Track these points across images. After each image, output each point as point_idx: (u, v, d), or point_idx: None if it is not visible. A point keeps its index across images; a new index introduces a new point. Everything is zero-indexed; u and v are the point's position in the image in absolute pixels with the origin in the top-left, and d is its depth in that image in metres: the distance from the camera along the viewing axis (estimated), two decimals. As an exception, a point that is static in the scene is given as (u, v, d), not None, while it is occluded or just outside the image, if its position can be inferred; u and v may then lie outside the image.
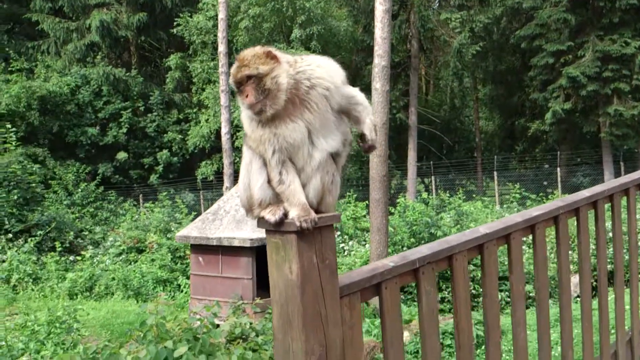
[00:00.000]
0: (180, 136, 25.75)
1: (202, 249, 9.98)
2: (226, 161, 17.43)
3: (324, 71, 2.76)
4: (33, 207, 15.63)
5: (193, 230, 10.03)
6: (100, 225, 18.30)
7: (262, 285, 10.34)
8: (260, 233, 9.75)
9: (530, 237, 3.05)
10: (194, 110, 26.14)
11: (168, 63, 26.09)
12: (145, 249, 15.37)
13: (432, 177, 26.91)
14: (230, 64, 24.39)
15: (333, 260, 2.13)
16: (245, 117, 2.67)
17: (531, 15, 25.00)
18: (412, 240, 13.56)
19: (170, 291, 13.89)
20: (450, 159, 28.92)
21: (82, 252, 15.03)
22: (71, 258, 14.73)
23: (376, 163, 11.24)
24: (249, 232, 9.63)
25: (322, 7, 23.13)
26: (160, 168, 25.45)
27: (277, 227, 2.30)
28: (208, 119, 24.41)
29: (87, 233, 16.69)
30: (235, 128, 24.18)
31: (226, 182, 17.52)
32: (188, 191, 25.81)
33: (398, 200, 17.02)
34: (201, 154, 25.64)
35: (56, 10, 26.21)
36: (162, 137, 25.87)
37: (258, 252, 9.92)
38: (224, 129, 17.33)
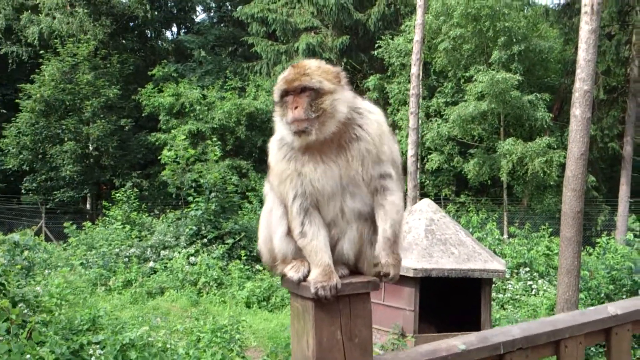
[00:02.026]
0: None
1: (366, 274, 9.74)
2: (410, 184, 17.07)
3: (377, 128, 2.32)
4: (228, 216, 16.83)
5: (358, 254, 9.86)
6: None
7: (426, 319, 9.78)
8: (426, 263, 9.20)
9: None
10: (388, 131, 26.19)
11: (367, 84, 26.58)
12: (322, 265, 15.61)
13: (650, 217, 23.46)
14: (424, 86, 24.13)
15: (367, 337, 1.68)
16: (275, 143, 2.33)
17: None
18: (611, 287, 11.81)
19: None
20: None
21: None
22: (258, 267, 15.50)
23: (570, 197, 9.98)
24: (413, 261, 9.15)
25: (526, 26, 21.67)
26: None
27: (298, 288, 1.99)
28: (401, 140, 24.28)
29: (273, 245, 17.46)
30: (427, 150, 23.72)
31: (409, 205, 17.14)
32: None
33: (598, 240, 15.04)
34: (392, 175, 25.53)
35: (269, 34, 28.36)
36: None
37: (422, 283, 9.39)
38: (410, 151, 17.02)
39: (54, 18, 26.95)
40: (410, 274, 9.07)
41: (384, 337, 9.34)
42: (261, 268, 15.09)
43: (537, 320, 1.93)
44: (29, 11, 27.35)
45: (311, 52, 26.21)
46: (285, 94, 2.26)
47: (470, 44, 22.30)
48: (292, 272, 2.16)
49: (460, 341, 1.77)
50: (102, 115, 25.80)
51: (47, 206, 25.75)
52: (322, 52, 26.69)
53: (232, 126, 24.37)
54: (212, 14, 36.79)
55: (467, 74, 22.43)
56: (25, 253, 9.44)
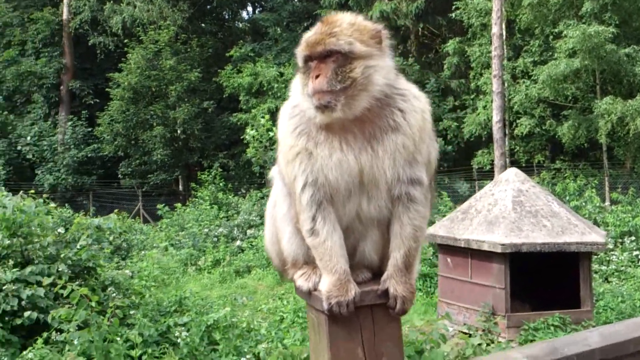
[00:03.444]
0: (455, 124, 25.09)
1: (450, 249, 9.33)
2: (497, 152, 16.33)
3: (420, 119, 1.88)
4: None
5: (440, 228, 9.46)
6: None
7: (518, 296, 9.27)
8: (515, 238, 8.67)
9: None
10: (471, 96, 25.17)
11: (446, 48, 25.55)
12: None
13: None
14: (509, 46, 22.83)
15: (396, 356, 1.41)
16: (287, 110, 1.93)
17: None
18: None
19: (430, 286, 13.53)
20: None
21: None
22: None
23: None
24: (500, 236, 8.64)
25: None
26: (434, 157, 25.23)
27: (310, 298, 1.75)
28: (486, 106, 23.23)
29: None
30: (515, 115, 22.53)
31: (496, 174, 16.41)
32: (463, 181, 25.07)
33: None
34: (477, 142, 24.60)
35: (342, 5, 27.82)
36: (437, 125, 25.55)
37: (512, 259, 8.88)
38: (495, 117, 16.23)
39: (134, 7, 27.79)
40: (499, 250, 8.60)
41: (473, 317, 8.95)
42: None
43: (622, 323, 1.58)
44: (112, 1, 28.35)
45: (385, 20, 25.46)
46: (308, 59, 1.87)
47: (558, -4, 20.77)
48: (302, 280, 1.87)
49: (522, 354, 1.47)
50: (186, 99, 26.54)
51: (143, 189, 26.99)
52: (396, 18, 25.91)
53: (313, 103, 24.27)
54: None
55: (556, 30, 20.89)
56: (111, 237, 9.78)
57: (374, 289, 1.63)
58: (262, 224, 16.00)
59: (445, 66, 25.96)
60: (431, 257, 13.92)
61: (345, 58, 1.83)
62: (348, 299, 1.62)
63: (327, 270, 1.76)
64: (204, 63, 28.97)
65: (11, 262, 7.89)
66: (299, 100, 1.91)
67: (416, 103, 1.95)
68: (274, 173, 2.09)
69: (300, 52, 1.90)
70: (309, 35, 1.89)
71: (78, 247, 8.57)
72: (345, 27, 1.88)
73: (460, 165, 25.36)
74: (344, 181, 1.82)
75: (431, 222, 15.61)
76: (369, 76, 1.84)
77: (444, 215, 16.38)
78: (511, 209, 9.01)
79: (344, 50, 1.83)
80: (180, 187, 29.22)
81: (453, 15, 24.26)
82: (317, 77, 1.81)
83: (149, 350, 7.20)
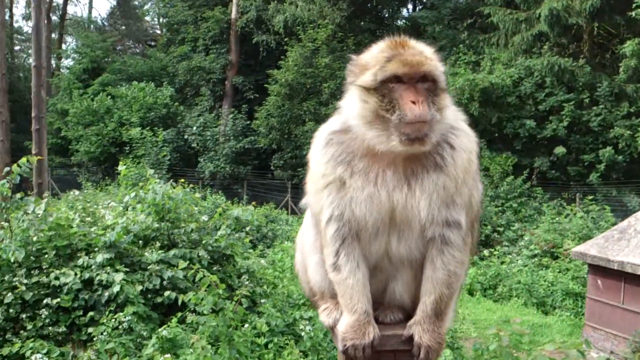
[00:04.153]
0: (629, 132, 22.67)
1: (601, 271, 8.37)
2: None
3: (466, 160, 1.72)
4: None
5: (593, 247, 8.50)
6: (523, 222, 17.70)
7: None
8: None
9: None
10: (649, 103, 22.59)
11: (623, 50, 23.15)
12: (559, 255, 14.09)
13: None
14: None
15: None
16: (324, 136, 1.84)
17: None
18: None
19: (580, 306, 12.36)
20: None
21: (497, 248, 14.82)
22: (486, 252, 14.66)
23: None
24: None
25: None
26: (602, 167, 23.01)
27: (332, 334, 1.72)
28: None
29: (503, 229, 16.35)
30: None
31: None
32: (634, 195, 22.61)
33: None
34: (654, 153, 22.05)
35: (508, 2, 26.43)
36: (608, 133, 23.29)
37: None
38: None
39: (296, 6, 28.78)
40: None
41: (622, 345, 7.94)
42: (487, 254, 14.23)
43: None
44: (275, 1, 29.63)
45: (555, 18, 23.71)
46: (396, 79, 1.70)
47: None
48: (324, 315, 1.83)
49: None
50: (338, 96, 26.84)
51: (293, 182, 27.97)
52: (567, 17, 23.96)
53: (465, 103, 23.36)
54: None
55: None
56: (247, 227, 10.15)
57: (399, 334, 1.51)
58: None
59: (621, 69, 23.53)
60: (585, 275, 12.73)
61: (436, 87, 1.72)
62: (364, 343, 1.50)
63: (347, 309, 1.65)
64: (359, 61, 29.20)
65: (158, 244, 8.47)
66: (352, 124, 1.75)
67: (466, 141, 1.80)
68: (304, 202, 1.99)
69: (386, 69, 1.71)
70: (394, 54, 1.72)
71: (218, 235, 8.98)
72: (432, 55, 1.78)
73: (632, 178, 22.91)
74: (372, 217, 1.68)
75: (583, 238, 14.24)
76: (446, 111, 1.74)
77: (602, 232, 14.90)
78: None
79: (441, 78, 1.73)
80: (329, 182, 29.80)
81: (633, 13, 21.88)
82: (418, 102, 1.65)
83: (275, 340, 7.33)
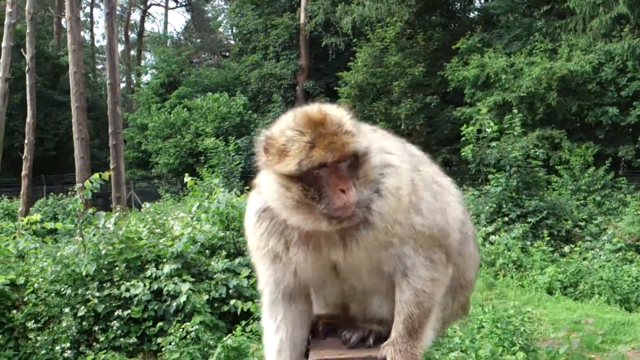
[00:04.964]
0: None
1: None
2: None
3: (395, 203, 1.62)
4: (532, 192, 15.47)
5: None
6: (607, 215, 16.66)
7: None
8: None
9: None
10: None
11: None
12: (649, 249, 13.16)
13: None
14: None
15: None
16: (253, 215, 1.78)
17: None
18: None
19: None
20: None
21: (578, 243, 14.05)
22: (566, 249, 13.89)
23: None
24: None
25: None
26: None
27: None
28: None
29: (584, 223, 15.43)
30: None
31: None
32: None
33: None
34: None
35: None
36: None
37: None
38: None
39: (364, 6, 28.62)
40: None
41: None
42: (568, 250, 13.48)
43: None
44: (343, 3, 29.61)
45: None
46: (319, 167, 1.61)
47: None
48: None
49: None
50: (409, 94, 26.53)
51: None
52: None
53: (542, 93, 22.31)
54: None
55: None
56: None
57: (372, 356, 1.50)
58: (478, 223, 15.15)
59: None
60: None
61: (359, 160, 1.63)
62: None
63: None
64: (430, 57, 28.63)
65: (224, 253, 8.62)
66: (274, 207, 1.70)
67: (393, 180, 1.65)
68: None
69: (312, 158, 1.61)
70: (314, 137, 1.63)
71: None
72: (350, 124, 1.68)
73: None
74: (317, 278, 1.71)
75: None
76: (374, 172, 1.65)
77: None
78: None
79: (363, 151, 1.63)
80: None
81: None
82: (344, 189, 1.58)
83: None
